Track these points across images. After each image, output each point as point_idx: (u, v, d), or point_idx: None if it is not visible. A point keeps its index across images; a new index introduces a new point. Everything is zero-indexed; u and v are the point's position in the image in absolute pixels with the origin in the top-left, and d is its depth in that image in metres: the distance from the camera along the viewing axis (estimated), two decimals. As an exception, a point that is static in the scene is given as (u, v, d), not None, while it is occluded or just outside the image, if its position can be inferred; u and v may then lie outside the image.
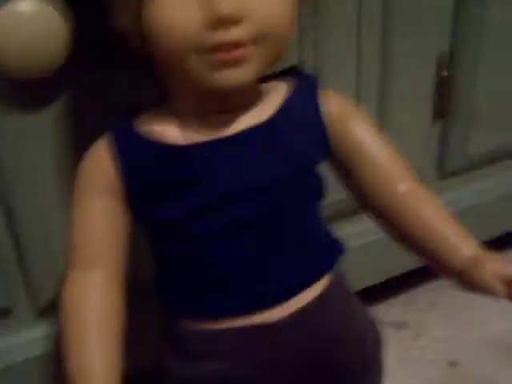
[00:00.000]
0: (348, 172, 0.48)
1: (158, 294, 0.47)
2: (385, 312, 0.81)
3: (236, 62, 0.39)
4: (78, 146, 0.50)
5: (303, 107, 0.45)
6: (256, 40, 0.39)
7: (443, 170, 0.78)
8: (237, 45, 0.38)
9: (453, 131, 0.76)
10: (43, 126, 0.52)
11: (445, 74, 0.72)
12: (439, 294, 0.84)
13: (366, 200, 0.48)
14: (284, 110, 0.44)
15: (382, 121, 0.69)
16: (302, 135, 0.45)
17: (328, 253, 0.47)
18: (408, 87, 0.69)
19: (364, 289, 0.72)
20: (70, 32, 0.47)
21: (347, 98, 0.48)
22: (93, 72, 0.51)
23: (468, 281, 0.44)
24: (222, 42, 0.38)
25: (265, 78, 0.46)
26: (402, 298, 0.84)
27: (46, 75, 0.48)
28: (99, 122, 0.45)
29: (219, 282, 0.44)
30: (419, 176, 0.72)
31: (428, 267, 0.48)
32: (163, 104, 0.46)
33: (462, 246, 0.45)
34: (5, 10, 0.45)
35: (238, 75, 0.39)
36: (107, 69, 0.50)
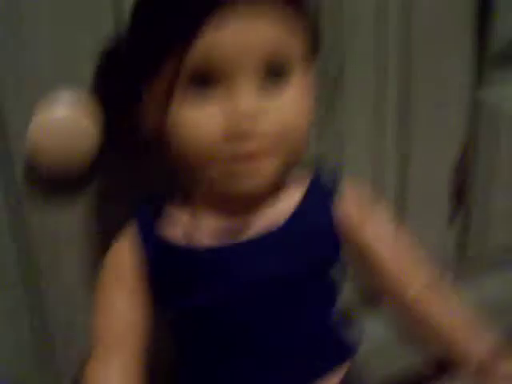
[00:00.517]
0: (362, 271, 0.49)
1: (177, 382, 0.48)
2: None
3: (254, 171, 0.41)
4: (106, 239, 0.52)
5: (318, 210, 0.46)
6: (274, 151, 0.41)
7: (463, 261, 0.79)
8: (255, 155, 0.40)
9: (472, 223, 0.77)
10: (75, 220, 0.54)
11: (463, 167, 0.73)
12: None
13: (379, 298, 0.49)
14: (299, 212, 0.45)
15: (402, 213, 0.71)
16: (316, 237, 0.46)
17: (341, 349, 0.48)
18: (427, 181, 0.71)
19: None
20: (100, 133, 0.50)
21: (366, 194, 0.50)
22: (121, 166, 0.53)
23: (482, 382, 0.45)
24: (241, 153, 0.40)
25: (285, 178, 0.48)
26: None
27: (77, 173, 0.51)
28: (126, 213, 0.47)
29: (232, 372, 0.45)
30: (440, 267, 0.74)
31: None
32: (186, 202, 0.47)
33: (473, 349, 0.46)
34: (41, 115, 0.49)
35: (255, 183, 0.42)
36: (135, 163, 0.53)
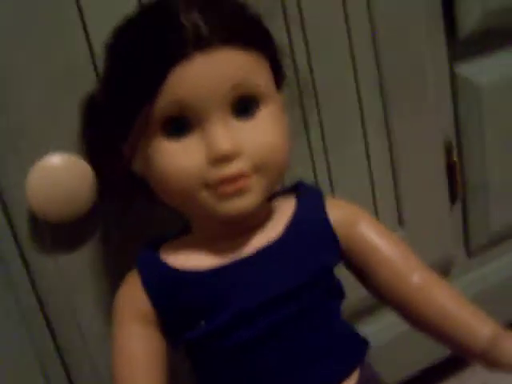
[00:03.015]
0: (363, 271, 0.51)
1: None
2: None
3: (240, 192, 0.44)
4: (114, 277, 0.54)
5: (311, 218, 0.49)
6: (255, 170, 0.44)
7: (469, 248, 0.80)
8: (238, 176, 0.43)
9: (472, 210, 0.79)
10: (81, 263, 0.56)
11: (454, 157, 0.75)
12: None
13: (384, 294, 0.51)
14: (293, 224, 0.48)
15: (402, 212, 0.72)
16: (313, 244, 0.48)
17: (354, 349, 0.50)
18: (421, 176, 0.72)
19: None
20: (96, 179, 0.53)
21: (351, 203, 0.52)
22: (120, 209, 0.56)
23: (490, 362, 0.46)
24: (225, 176, 0.43)
25: (273, 196, 0.51)
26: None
27: (78, 218, 0.54)
28: (130, 253, 0.50)
29: None
30: (449, 258, 0.76)
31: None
32: (185, 233, 0.51)
33: (479, 328, 0.47)
34: (40, 164, 0.52)
35: (242, 203, 0.44)
36: (133, 205, 0.56)
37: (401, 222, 0.72)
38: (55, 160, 0.52)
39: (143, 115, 0.43)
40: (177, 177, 0.43)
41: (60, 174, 0.52)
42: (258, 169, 0.44)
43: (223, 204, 0.44)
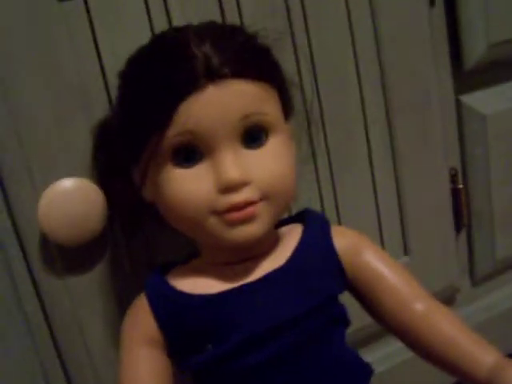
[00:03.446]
0: (367, 298, 0.51)
1: None
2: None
3: (248, 219, 0.45)
4: (123, 300, 0.55)
5: (317, 245, 0.50)
6: (263, 198, 0.45)
7: (474, 277, 0.81)
8: (246, 204, 0.44)
9: (477, 239, 0.79)
10: (90, 285, 0.57)
11: (459, 185, 0.76)
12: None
13: (388, 322, 0.51)
14: (299, 251, 0.49)
15: (407, 240, 0.72)
16: (319, 271, 0.49)
17: (357, 375, 0.50)
18: (426, 204, 0.73)
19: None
20: (106, 203, 0.54)
21: (357, 231, 0.53)
22: (129, 233, 0.57)
23: None
24: (233, 204, 0.44)
25: (280, 223, 0.52)
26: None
27: (88, 241, 0.55)
28: (139, 276, 0.51)
29: None
30: (454, 286, 0.76)
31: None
32: (193, 257, 0.52)
33: (482, 357, 0.47)
34: (52, 187, 0.53)
35: (250, 230, 0.45)
36: (142, 230, 0.57)
37: (406, 250, 0.73)
38: (67, 184, 0.53)
39: (153, 143, 0.44)
40: (186, 204, 0.45)
41: (71, 197, 0.53)
42: (265, 197, 0.45)
43: (231, 231, 0.45)
